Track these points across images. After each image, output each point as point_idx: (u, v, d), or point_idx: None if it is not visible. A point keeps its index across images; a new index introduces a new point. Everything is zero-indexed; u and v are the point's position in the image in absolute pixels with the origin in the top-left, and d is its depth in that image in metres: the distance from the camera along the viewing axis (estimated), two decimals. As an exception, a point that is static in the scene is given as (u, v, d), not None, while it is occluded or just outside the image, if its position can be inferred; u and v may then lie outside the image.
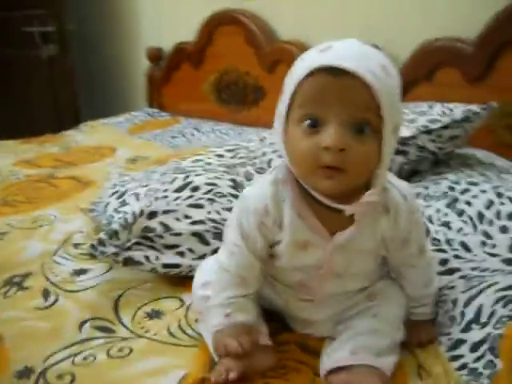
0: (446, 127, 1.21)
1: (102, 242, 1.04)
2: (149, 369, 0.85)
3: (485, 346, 0.75)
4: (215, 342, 0.84)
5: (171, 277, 1.09)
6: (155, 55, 2.62)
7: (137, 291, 1.07)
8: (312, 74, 0.71)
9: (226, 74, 2.29)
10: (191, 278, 1.02)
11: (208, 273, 0.92)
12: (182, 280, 1.08)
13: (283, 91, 0.76)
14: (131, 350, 0.90)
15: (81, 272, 1.14)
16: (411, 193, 0.84)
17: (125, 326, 0.97)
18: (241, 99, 2.26)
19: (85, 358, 0.88)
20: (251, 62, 2.16)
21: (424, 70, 1.61)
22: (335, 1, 1.83)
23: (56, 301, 1.04)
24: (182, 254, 1.06)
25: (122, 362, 0.87)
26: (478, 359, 0.75)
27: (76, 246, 1.26)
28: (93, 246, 1.04)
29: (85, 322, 0.98)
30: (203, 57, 2.37)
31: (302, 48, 1.86)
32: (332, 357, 0.82)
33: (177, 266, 1.06)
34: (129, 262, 1.05)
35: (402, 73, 1.60)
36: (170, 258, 1.06)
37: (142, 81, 2.74)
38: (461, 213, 1.01)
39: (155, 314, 0.99)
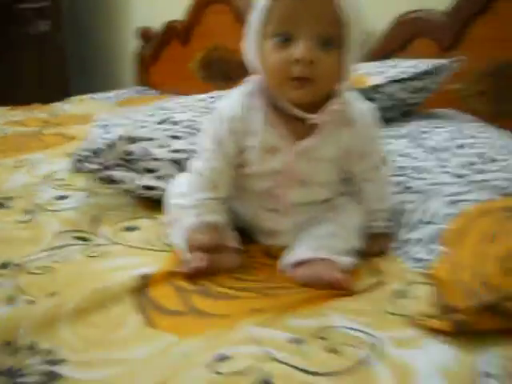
0: (415, 77, 1.29)
1: (85, 158, 1.09)
2: (120, 265, 0.90)
3: (431, 239, 0.81)
4: (187, 239, 0.89)
5: (148, 200, 1.15)
6: (145, 34, 2.68)
7: (115, 212, 1.12)
8: None
9: (214, 51, 2.36)
10: (168, 202, 1.09)
11: (183, 185, 0.98)
12: (158, 204, 1.14)
13: (255, 8, 0.83)
14: (106, 252, 0.95)
15: (62, 197, 1.19)
16: (372, 109, 0.91)
17: (102, 236, 1.02)
18: (228, 76, 2.32)
19: (63, 257, 0.93)
20: (240, 40, 2.22)
21: (399, 41, 1.69)
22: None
23: (36, 216, 1.10)
24: (159, 177, 1.12)
25: (96, 260, 0.92)
26: (422, 250, 0.81)
27: (59, 179, 1.31)
28: (77, 160, 1.10)
29: (64, 232, 1.03)
30: (191, 35, 2.43)
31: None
32: (294, 253, 0.88)
33: (154, 188, 1.11)
34: (109, 179, 1.10)
35: (379, 45, 1.70)
36: (148, 180, 1.11)
37: (131, 60, 2.80)
38: (422, 145, 1.09)
39: (131, 228, 1.05)
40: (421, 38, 1.66)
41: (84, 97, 2.55)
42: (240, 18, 2.20)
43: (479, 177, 0.92)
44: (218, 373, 0.62)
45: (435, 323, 0.68)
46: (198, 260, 0.85)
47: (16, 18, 2.84)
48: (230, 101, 0.89)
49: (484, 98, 1.56)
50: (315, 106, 0.83)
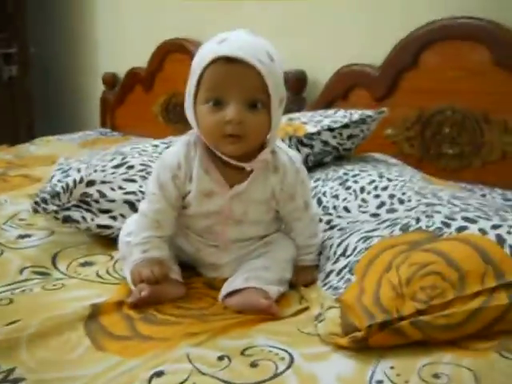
0: (345, 126, 1.44)
1: (44, 201, 1.20)
2: (75, 297, 1.00)
3: (346, 270, 0.95)
4: (132, 272, 1.01)
5: (104, 239, 1.26)
6: (110, 80, 2.82)
7: (73, 249, 1.23)
8: (213, 62, 0.91)
9: (173, 96, 2.50)
10: (121, 240, 1.21)
11: (130, 226, 1.10)
12: (113, 242, 1.25)
13: (190, 75, 0.96)
14: (63, 285, 1.05)
15: (25, 236, 1.30)
16: (298, 157, 1.05)
17: (60, 271, 1.12)
18: (187, 119, 2.46)
19: (23, 291, 1.03)
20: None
21: (340, 91, 1.87)
22: (270, 33, 2.09)
23: (1, 254, 1.19)
24: (114, 218, 1.23)
25: (53, 292, 1.03)
26: (340, 280, 0.94)
27: (22, 219, 1.41)
28: (36, 202, 1.21)
29: (25, 268, 1.13)
30: (154, 81, 2.58)
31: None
32: (229, 285, 1.00)
33: (109, 227, 1.23)
34: (67, 219, 1.21)
35: (323, 94, 1.87)
36: (103, 220, 1.23)
37: (96, 104, 2.92)
38: (348, 188, 1.23)
39: (87, 264, 1.16)
40: (359, 89, 1.84)
41: (50, 138, 2.65)
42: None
43: (390, 216, 1.07)
44: (153, 385, 0.73)
45: (340, 341, 0.81)
46: (141, 291, 0.96)
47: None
48: (173, 150, 1.03)
49: (413, 142, 1.74)
50: (247, 155, 0.97)
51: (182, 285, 1.03)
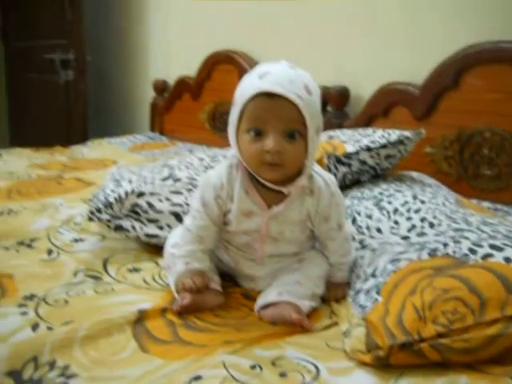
0: (383, 147, 1.50)
1: (98, 210, 1.31)
2: (124, 301, 1.10)
3: (374, 290, 1.01)
4: (176, 283, 1.10)
5: (151, 246, 1.36)
6: (160, 86, 2.94)
7: (122, 255, 1.33)
8: (254, 97, 0.98)
9: (220, 105, 2.60)
10: (167, 248, 1.31)
11: (175, 237, 1.19)
12: (159, 250, 1.35)
13: (233, 106, 1.04)
14: (113, 289, 1.15)
15: (79, 240, 1.41)
16: (333, 181, 1.12)
17: (110, 275, 1.23)
18: (231, 128, 2.55)
19: (77, 293, 1.14)
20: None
21: (381, 108, 1.91)
22: (315, 47, 2.17)
23: (57, 256, 1.31)
24: (161, 227, 1.33)
25: (104, 295, 1.13)
26: (368, 299, 1.00)
27: (76, 224, 1.52)
28: (91, 212, 1.31)
29: (79, 271, 1.24)
30: (202, 89, 2.69)
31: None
32: (264, 298, 1.08)
33: (156, 236, 1.33)
34: (119, 228, 1.31)
35: (365, 110, 1.92)
36: (151, 229, 1.33)
37: (146, 109, 3.06)
38: (382, 208, 1.29)
39: (135, 270, 1.25)
40: (399, 106, 1.88)
41: (101, 140, 2.79)
42: (242, 77, 2.44)
43: (419, 239, 1.12)
44: (192, 389, 0.81)
45: (364, 357, 0.87)
46: (183, 299, 1.05)
47: (46, 68, 3.13)
48: (217, 171, 1.11)
49: (451, 162, 1.77)
50: (285, 180, 1.05)
51: (221, 294, 1.11)
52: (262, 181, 1.05)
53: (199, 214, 1.11)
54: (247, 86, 1.00)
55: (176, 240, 1.18)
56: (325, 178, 1.11)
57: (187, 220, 1.14)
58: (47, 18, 3.15)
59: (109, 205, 1.31)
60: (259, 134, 0.99)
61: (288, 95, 0.96)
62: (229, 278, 1.20)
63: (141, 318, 1.01)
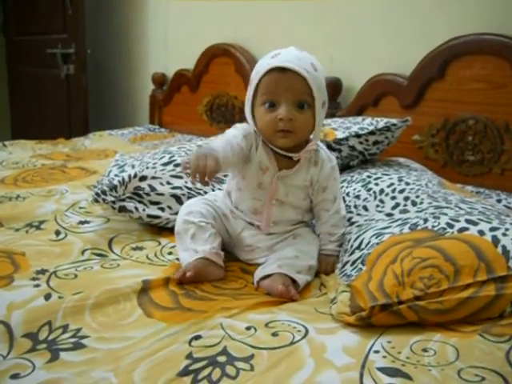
0: (371, 133, 1.59)
1: (103, 192, 1.39)
2: (129, 274, 1.18)
3: (359, 261, 1.10)
4: (191, 159, 1.08)
5: (153, 227, 1.45)
6: (159, 79, 3.02)
7: (126, 235, 1.42)
8: (268, 72, 1.13)
9: (218, 97, 2.68)
10: (168, 229, 1.40)
11: (190, 207, 1.27)
12: (161, 230, 1.44)
13: (249, 84, 1.19)
14: (118, 265, 1.24)
15: (85, 222, 1.49)
16: (334, 158, 1.27)
17: (115, 253, 1.31)
18: (229, 119, 2.64)
19: (85, 268, 1.22)
20: (239, 87, 2.55)
21: (371, 98, 2.00)
22: (308, 40, 2.25)
23: (65, 237, 1.39)
24: (162, 209, 1.42)
25: (110, 270, 1.21)
26: (353, 269, 1.09)
27: (81, 207, 1.61)
28: (97, 193, 1.40)
29: (86, 250, 1.32)
30: (200, 82, 2.77)
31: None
32: (263, 269, 1.17)
33: (158, 217, 1.41)
34: (122, 209, 1.40)
35: (356, 100, 2.01)
36: (153, 210, 1.41)
37: (146, 101, 3.14)
38: (369, 189, 1.38)
39: (138, 248, 1.34)
40: (388, 96, 1.97)
41: (103, 132, 2.87)
42: (239, 69, 2.53)
43: (402, 216, 1.21)
44: (191, 346, 0.90)
45: (348, 319, 0.96)
46: (187, 272, 1.13)
47: (47, 62, 3.20)
48: (246, 125, 1.23)
49: (437, 148, 1.86)
50: (295, 148, 1.19)
51: (222, 269, 1.20)
52: (275, 148, 1.18)
53: (233, 133, 1.19)
54: (262, 65, 1.16)
55: (191, 209, 1.26)
56: (328, 154, 1.26)
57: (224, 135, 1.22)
58: (48, 13, 3.22)
59: (113, 187, 1.40)
60: (273, 106, 1.14)
61: (297, 69, 1.11)
62: (229, 256, 1.30)
63: (145, 287, 1.10)
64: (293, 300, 1.09)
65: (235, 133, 1.20)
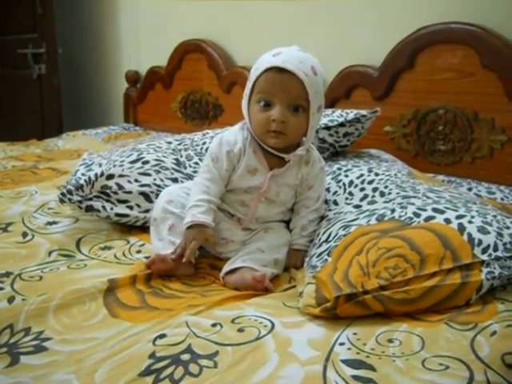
0: (341, 125, 1.58)
1: (69, 192, 1.37)
2: (96, 274, 1.16)
3: (325, 253, 1.09)
4: (185, 236, 1.16)
5: (122, 226, 1.43)
6: (132, 77, 2.99)
7: (95, 235, 1.40)
8: (266, 70, 1.13)
9: (191, 93, 2.66)
10: (137, 227, 1.39)
11: (172, 195, 1.26)
12: (130, 228, 1.42)
13: (249, 80, 1.18)
14: (85, 265, 1.22)
15: (53, 223, 1.47)
16: (323, 160, 1.28)
17: (83, 253, 1.29)
18: (203, 115, 2.62)
19: (51, 269, 1.20)
20: (212, 83, 2.54)
21: (343, 90, 1.99)
22: (279, 33, 2.24)
23: (32, 238, 1.37)
24: (131, 207, 1.40)
25: (77, 271, 1.19)
26: (318, 260, 1.09)
27: (50, 208, 1.58)
28: (62, 193, 1.38)
29: (53, 251, 1.30)
30: (173, 79, 2.74)
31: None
32: (229, 265, 1.16)
33: (126, 215, 1.39)
34: (89, 209, 1.38)
35: (327, 93, 2.00)
36: (121, 209, 1.39)
37: (120, 100, 3.10)
38: (339, 181, 1.37)
39: (106, 248, 1.32)
40: (360, 88, 1.96)
41: (76, 133, 2.83)
42: (212, 65, 2.51)
43: (370, 207, 1.20)
44: (155, 345, 0.88)
45: (314, 311, 0.95)
46: (160, 262, 1.12)
47: (18, 63, 3.15)
48: (231, 131, 1.24)
49: (409, 139, 1.86)
50: (286, 149, 1.18)
51: (192, 266, 1.19)
52: (266, 147, 1.17)
53: (207, 168, 1.21)
54: (262, 62, 1.15)
55: (172, 198, 1.25)
56: (319, 155, 1.26)
57: (196, 178, 1.24)
58: (18, 12, 3.16)
59: (79, 187, 1.37)
60: (268, 106, 1.13)
61: (296, 71, 1.09)
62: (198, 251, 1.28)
63: (111, 287, 1.08)
64: (266, 290, 1.09)
65: (206, 176, 1.20)
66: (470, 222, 1.05)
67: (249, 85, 1.18)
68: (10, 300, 1.04)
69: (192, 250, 1.13)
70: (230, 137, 1.21)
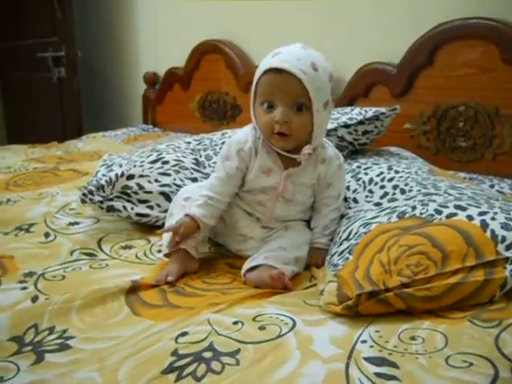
0: (360, 123, 1.57)
1: (91, 192, 1.39)
2: (117, 274, 1.17)
3: (346, 251, 1.09)
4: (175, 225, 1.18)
5: (142, 226, 1.44)
6: (151, 79, 3.01)
7: (116, 235, 1.41)
8: (266, 72, 1.12)
9: (209, 94, 2.67)
10: (157, 226, 1.39)
11: (190, 192, 1.28)
12: (150, 228, 1.43)
13: (253, 82, 1.17)
14: (107, 265, 1.23)
15: (74, 223, 1.48)
16: (341, 156, 1.26)
17: (104, 252, 1.30)
18: (221, 115, 2.63)
19: (73, 269, 1.22)
20: (230, 83, 2.54)
21: (361, 88, 1.98)
22: (296, 32, 2.24)
23: (54, 238, 1.38)
24: (151, 207, 1.41)
25: (99, 270, 1.21)
26: (340, 259, 1.08)
27: (72, 209, 1.60)
28: (84, 194, 1.39)
29: (75, 250, 1.31)
30: (191, 80, 2.75)
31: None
32: (250, 262, 1.16)
33: (147, 215, 1.40)
34: (110, 209, 1.39)
35: (346, 91, 1.99)
36: (142, 209, 1.40)
37: (139, 101, 3.13)
38: (359, 179, 1.36)
39: (127, 247, 1.33)
40: (379, 86, 1.95)
41: (96, 134, 2.86)
42: (229, 65, 2.52)
43: (390, 204, 1.19)
44: (177, 342, 0.89)
45: (335, 309, 0.95)
46: (168, 276, 1.13)
47: (39, 66, 3.19)
48: (242, 131, 1.24)
49: (429, 136, 1.85)
50: (298, 148, 1.17)
51: (197, 261, 1.20)
52: (274, 148, 1.17)
53: (217, 167, 1.23)
54: (262, 64, 1.15)
55: (189, 195, 1.27)
56: (335, 151, 1.25)
57: (207, 182, 1.25)
58: (37, 17, 3.20)
59: (100, 187, 1.39)
60: (271, 107, 1.13)
61: (293, 70, 1.08)
62: (216, 252, 1.29)
63: (134, 287, 1.09)
64: (286, 289, 1.09)
65: (215, 175, 1.21)
66: (492, 218, 1.03)
67: (252, 88, 1.17)
68: (34, 299, 1.06)
69: (182, 235, 1.15)
70: (241, 136, 1.21)
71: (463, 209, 1.07)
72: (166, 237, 1.22)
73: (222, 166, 1.21)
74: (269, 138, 1.16)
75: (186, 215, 1.18)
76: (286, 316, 0.96)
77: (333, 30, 2.15)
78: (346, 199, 1.31)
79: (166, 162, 1.49)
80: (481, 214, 1.05)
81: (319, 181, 1.22)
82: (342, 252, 1.10)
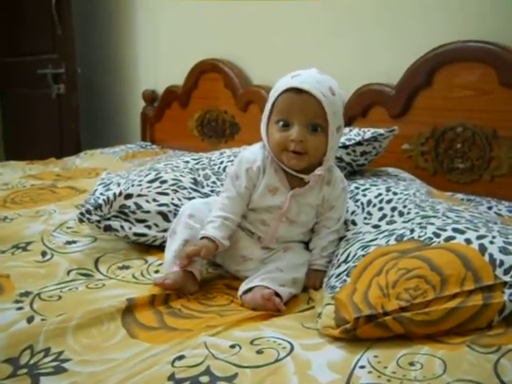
0: (358, 144, 1.58)
1: (88, 212, 1.38)
2: (114, 294, 1.16)
3: (344, 273, 1.08)
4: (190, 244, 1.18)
5: (140, 245, 1.43)
6: (149, 96, 3.02)
7: (113, 254, 1.40)
8: (285, 91, 1.14)
9: (208, 112, 2.68)
10: (155, 246, 1.39)
11: (194, 209, 1.27)
12: (148, 248, 1.42)
13: (268, 101, 1.20)
14: (104, 285, 1.22)
15: (72, 242, 1.47)
16: (345, 180, 1.27)
17: (101, 273, 1.30)
18: (220, 133, 2.64)
19: (70, 289, 1.21)
20: (229, 102, 2.55)
21: (360, 109, 1.99)
22: (296, 53, 2.25)
23: (51, 257, 1.38)
24: (149, 227, 1.40)
25: (95, 290, 1.19)
26: (337, 281, 1.08)
27: (69, 227, 1.59)
28: (81, 213, 1.39)
29: (72, 270, 1.31)
30: (189, 98, 2.77)
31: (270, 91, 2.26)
32: (246, 283, 1.16)
33: (144, 235, 1.40)
34: (108, 228, 1.38)
35: (344, 111, 1.99)
36: (139, 228, 1.40)
37: (137, 119, 3.14)
38: (357, 201, 1.36)
39: (124, 267, 1.32)
40: (377, 107, 1.96)
41: (94, 151, 2.86)
42: (228, 84, 2.53)
43: (389, 227, 1.19)
44: (174, 366, 0.88)
45: (333, 332, 0.94)
46: (166, 279, 1.14)
47: (38, 83, 3.20)
48: (251, 149, 1.25)
49: (427, 157, 1.85)
50: (307, 169, 1.18)
51: (197, 283, 1.19)
52: (284, 167, 1.18)
53: (227, 187, 1.23)
54: (280, 84, 1.16)
55: (193, 212, 1.26)
56: (340, 175, 1.26)
57: (219, 196, 1.26)
58: (37, 33, 3.22)
59: (98, 206, 1.39)
60: (286, 126, 1.14)
61: (313, 92, 1.11)
62: (213, 272, 1.28)
63: (130, 306, 1.08)
64: (278, 311, 1.08)
65: (225, 194, 1.22)
66: (491, 242, 1.03)
67: (268, 106, 1.19)
68: (30, 320, 1.04)
69: (203, 257, 1.16)
70: (250, 155, 1.22)
71: (461, 232, 1.07)
72: (168, 259, 1.22)
73: (232, 186, 1.21)
74: (279, 156, 1.17)
75: (204, 237, 1.17)
76: (283, 340, 0.96)
77: (331, 51, 2.17)
78: (345, 222, 1.31)
79: (164, 182, 1.49)
80: (479, 237, 1.05)
81: (323, 202, 1.23)
82: (339, 274, 1.09)
